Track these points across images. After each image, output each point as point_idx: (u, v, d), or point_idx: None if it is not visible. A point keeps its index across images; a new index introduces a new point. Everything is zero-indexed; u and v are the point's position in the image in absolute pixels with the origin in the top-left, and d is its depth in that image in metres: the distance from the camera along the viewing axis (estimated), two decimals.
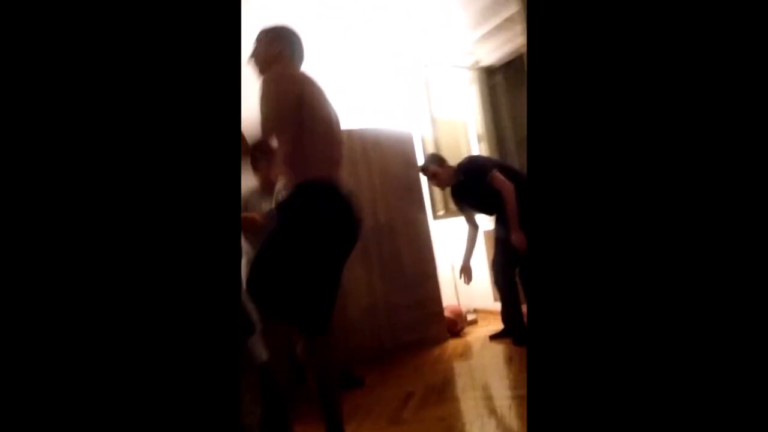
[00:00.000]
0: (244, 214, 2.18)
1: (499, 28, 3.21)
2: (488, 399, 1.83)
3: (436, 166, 2.80)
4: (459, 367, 2.44)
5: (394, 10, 3.24)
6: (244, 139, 1.40)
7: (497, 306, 2.96)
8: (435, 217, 3.68)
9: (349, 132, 3.07)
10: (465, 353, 2.71)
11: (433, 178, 2.82)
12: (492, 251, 2.85)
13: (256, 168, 2.33)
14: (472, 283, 2.85)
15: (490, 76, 3.59)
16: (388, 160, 3.12)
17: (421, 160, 3.09)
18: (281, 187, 2.33)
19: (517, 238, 2.44)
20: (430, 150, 3.59)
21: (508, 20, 3.07)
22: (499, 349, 2.61)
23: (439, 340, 3.01)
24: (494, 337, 2.84)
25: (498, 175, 2.50)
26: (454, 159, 2.82)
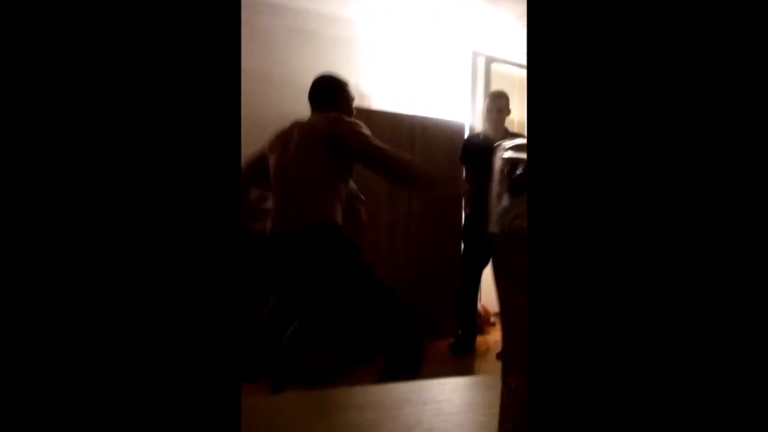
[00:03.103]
0: None
1: None
2: None
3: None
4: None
5: (460, 4, 3.17)
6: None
7: None
8: None
9: (398, 116, 3.04)
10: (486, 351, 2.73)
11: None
12: None
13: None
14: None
15: None
16: (433, 149, 3.06)
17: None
18: None
19: None
20: None
21: None
22: None
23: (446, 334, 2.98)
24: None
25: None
26: None
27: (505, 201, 0.29)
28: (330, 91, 1.85)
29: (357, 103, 3.27)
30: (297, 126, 1.78)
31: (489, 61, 3.63)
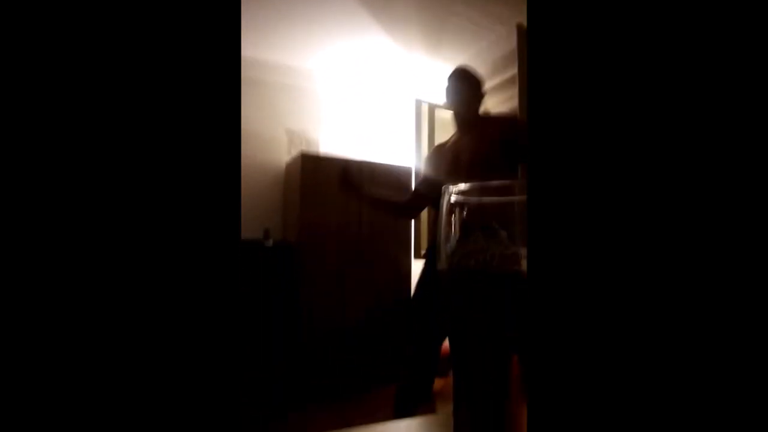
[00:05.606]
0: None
1: (505, 84, 3.29)
2: None
3: None
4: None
5: (404, 55, 3.33)
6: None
7: None
8: (416, 256, 3.65)
9: (347, 161, 3.09)
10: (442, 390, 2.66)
11: None
12: None
13: None
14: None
15: None
16: (381, 192, 3.12)
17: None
18: None
19: None
20: None
21: (511, 80, 3.16)
22: None
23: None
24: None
25: None
26: None
27: (453, 242, 0.31)
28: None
29: (305, 148, 3.32)
30: None
31: (432, 108, 3.80)
